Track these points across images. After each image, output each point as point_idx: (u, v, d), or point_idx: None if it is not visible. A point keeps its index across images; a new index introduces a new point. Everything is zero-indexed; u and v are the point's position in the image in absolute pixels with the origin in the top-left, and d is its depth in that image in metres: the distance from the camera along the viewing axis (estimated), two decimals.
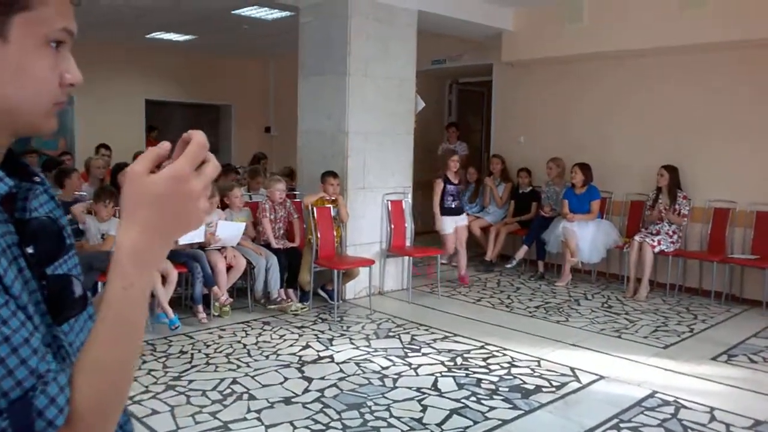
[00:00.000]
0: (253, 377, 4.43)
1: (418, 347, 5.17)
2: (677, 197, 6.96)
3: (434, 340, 5.35)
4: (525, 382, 4.42)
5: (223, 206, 6.29)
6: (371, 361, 4.81)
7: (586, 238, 7.38)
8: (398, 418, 3.81)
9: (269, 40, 10.46)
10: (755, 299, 6.67)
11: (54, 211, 0.92)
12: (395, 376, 4.50)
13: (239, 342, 5.21)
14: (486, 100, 10.40)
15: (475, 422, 3.78)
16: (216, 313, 5.85)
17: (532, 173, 8.35)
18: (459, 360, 4.87)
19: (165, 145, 0.80)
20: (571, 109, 8.25)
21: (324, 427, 3.67)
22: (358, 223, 6.77)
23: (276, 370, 4.58)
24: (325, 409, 3.91)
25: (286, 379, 4.42)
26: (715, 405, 4.05)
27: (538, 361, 4.85)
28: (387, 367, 4.68)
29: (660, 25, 6.94)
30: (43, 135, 0.91)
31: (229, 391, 4.18)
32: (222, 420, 3.74)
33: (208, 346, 5.10)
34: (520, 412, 3.95)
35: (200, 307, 5.71)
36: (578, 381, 4.47)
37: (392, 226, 6.99)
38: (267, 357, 4.86)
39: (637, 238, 7.04)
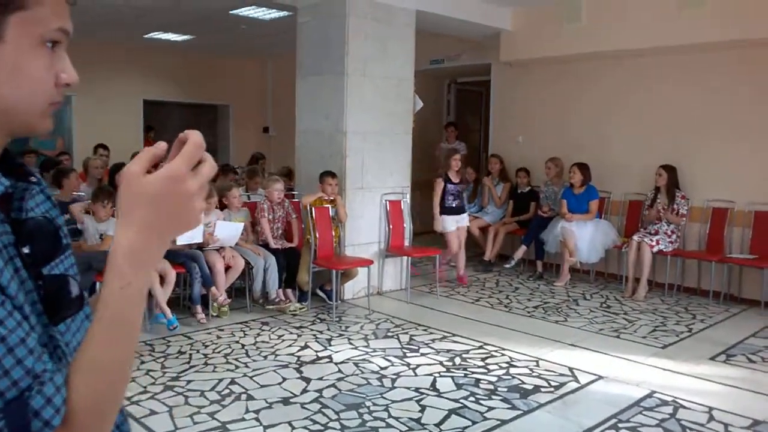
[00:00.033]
0: (251, 377, 4.43)
1: (416, 347, 5.17)
2: (675, 197, 6.97)
3: (433, 340, 5.35)
4: (523, 382, 4.42)
5: (222, 206, 6.28)
6: (370, 362, 4.80)
7: (585, 237, 7.38)
8: (397, 419, 3.80)
9: (267, 40, 10.46)
10: (754, 299, 6.68)
11: (50, 211, 0.91)
12: (394, 377, 4.50)
13: (237, 342, 5.21)
14: (484, 99, 10.40)
15: (474, 422, 3.78)
16: (214, 314, 5.85)
17: (530, 173, 8.35)
18: (457, 360, 4.87)
19: (161, 145, 0.80)
20: (569, 108, 8.25)
21: (322, 428, 3.67)
22: (356, 223, 6.77)
23: (274, 371, 4.57)
24: (323, 410, 3.91)
25: (284, 379, 4.42)
26: (714, 405, 4.05)
27: (537, 361, 4.85)
28: (385, 368, 4.68)
29: (658, 24, 6.94)
30: (38, 135, 0.91)
31: (227, 391, 4.18)
32: (220, 420, 3.73)
33: (206, 346, 5.10)
34: (519, 412, 3.94)
35: (199, 308, 5.71)
36: (577, 381, 4.47)
37: (391, 226, 6.99)
38: (265, 357, 4.86)
39: (635, 237, 7.04)
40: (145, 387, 4.21)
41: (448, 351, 5.08)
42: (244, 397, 4.09)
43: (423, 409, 3.96)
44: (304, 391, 4.21)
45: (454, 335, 5.48)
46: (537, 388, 4.31)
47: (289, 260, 6.30)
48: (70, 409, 0.75)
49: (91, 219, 5.55)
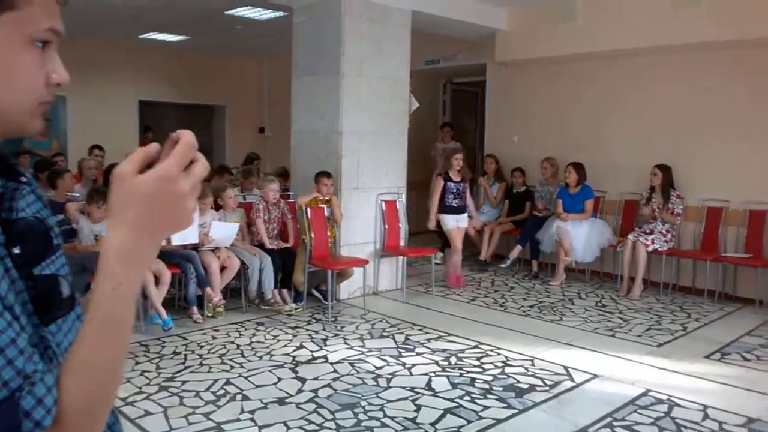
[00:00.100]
0: (246, 378, 4.43)
1: (412, 347, 5.17)
2: (670, 196, 6.99)
3: (428, 340, 5.35)
4: (519, 381, 4.43)
5: (217, 207, 6.27)
6: (365, 361, 4.80)
7: (580, 237, 7.39)
8: (392, 418, 3.81)
9: (263, 41, 10.45)
10: (748, 297, 6.70)
11: (41, 212, 0.91)
12: (389, 376, 4.50)
13: (233, 343, 5.21)
14: (480, 100, 10.41)
15: (469, 421, 3.78)
16: (209, 314, 5.84)
17: (525, 173, 8.37)
18: (453, 359, 4.87)
19: (154, 146, 0.80)
20: (564, 108, 8.26)
21: (318, 428, 3.67)
22: (351, 223, 6.77)
23: (270, 371, 4.57)
24: (318, 410, 3.91)
25: (279, 379, 4.42)
26: (708, 403, 4.06)
27: (532, 360, 4.86)
28: (381, 367, 4.68)
29: (654, 24, 6.95)
30: (29, 135, 0.90)
31: (222, 391, 4.18)
32: (215, 421, 3.73)
33: (201, 346, 5.10)
34: (514, 411, 3.95)
35: (194, 308, 5.71)
36: (572, 380, 4.48)
37: (386, 226, 6.99)
38: (261, 357, 4.86)
39: (630, 237, 7.05)
40: (140, 388, 4.20)
41: (443, 350, 5.08)
42: (239, 397, 4.09)
43: (418, 408, 3.96)
44: (300, 391, 4.21)
45: (449, 335, 5.49)
46: (532, 387, 4.32)
47: (285, 260, 6.30)
48: (61, 409, 0.75)
49: (86, 220, 5.54)
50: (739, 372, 4.72)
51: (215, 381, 4.35)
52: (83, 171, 7.50)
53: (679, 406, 4.03)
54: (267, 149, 12.11)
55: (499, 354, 5.01)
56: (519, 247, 8.04)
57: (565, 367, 4.71)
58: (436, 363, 4.79)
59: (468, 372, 4.61)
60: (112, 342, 0.79)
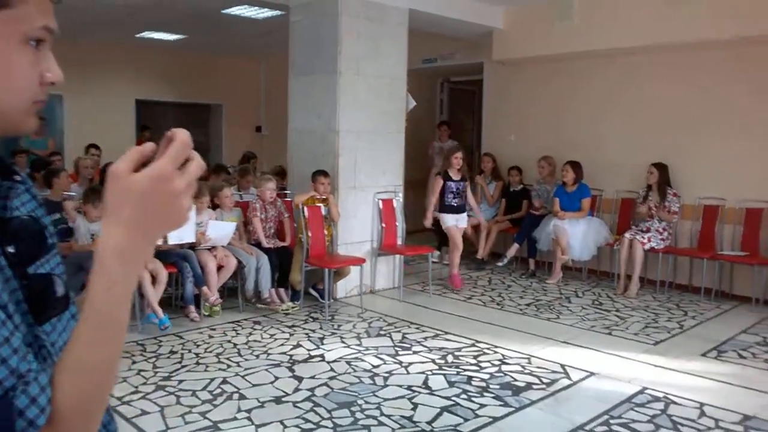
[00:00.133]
0: (243, 377, 4.42)
1: (408, 345, 5.17)
2: (667, 194, 7.00)
3: (425, 338, 5.35)
4: (515, 380, 4.43)
5: (214, 206, 6.27)
6: (362, 360, 4.81)
7: (577, 235, 7.40)
8: (389, 417, 3.81)
9: (260, 40, 10.43)
10: (745, 295, 6.71)
11: (36, 211, 0.91)
12: (386, 375, 4.50)
13: (230, 341, 5.20)
14: (477, 98, 10.41)
15: (466, 420, 3.79)
16: (206, 313, 5.84)
17: (522, 171, 8.37)
18: (450, 358, 4.87)
19: (149, 145, 0.80)
20: (561, 107, 8.27)
21: (314, 426, 3.67)
22: (349, 222, 6.77)
23: (266, 370, 4.57)
24: (315, 408, 3.91)
25: (276, 378, 4.42)
26: (705, 401, 4.07)
27: (529, 359, 4.86)
28: (378, 366, 4.68)
29: (651, 23, 6.96)
30: (23, 133, 0.90)
31: (219, 390, 4.17)
32: (212, 420, 3.73)
33: (198, 345, 5.09)
34: (511, 409, 3.96)
35: (192, 307, 5.70)
36: (568, 378, 4.49)
37: (383, 225, 6.99)
38: (257, 356, 4.85)
39: (627, 235, 7.07)
40: (136, 387, 4.20)
41: (440, 349, 5.08)
42: (236, 396, 4.09)
43: (415, 407, 3.97)
44: (297, 389, 4.21)
45: (446, 333, 5.49)
46: (529, 386, 4.33)
47: (282, 259, 6.30)
48: (56, 408, 0.75)
49: (82, 219, 5.53)
50: (735, 370, 4.73)
51: (212, 380, 4.35)
52: (80, 170, 7.49)
53: (675, 403, 4.04)
54: (264, 148, 12.10)
55: (495, 352, 5.02)
56: (516, 246, 8.05)
57: (562, 365, 4.71)
58: (433, 361, 4.79)
59: (465, 370, 4.61)
60: (107, 341, 0.79)
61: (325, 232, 6.45)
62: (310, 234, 6.24)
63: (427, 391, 4.21)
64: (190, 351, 4.96)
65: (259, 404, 3.97)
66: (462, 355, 4.93)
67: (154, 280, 5.42)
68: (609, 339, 5.42)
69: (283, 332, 5.50)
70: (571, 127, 8.15)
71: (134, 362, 4.66)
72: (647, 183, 7.16)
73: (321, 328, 5.63)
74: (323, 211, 6.41)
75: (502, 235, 8.44)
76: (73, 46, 9.73)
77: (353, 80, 6.65)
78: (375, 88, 6.85)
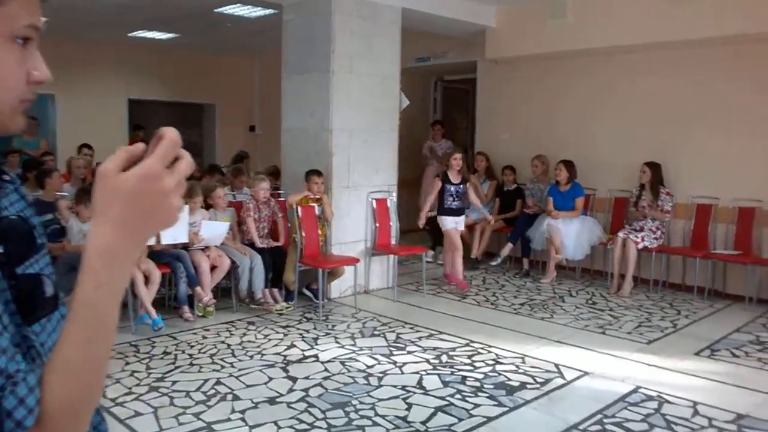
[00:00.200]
0: (237, 377, 4.41)
1: (403, 345, 5.17)
2: (660, 193, 7.01)
3: (419, 338, 5.35)
4: (510, 379, 4.43)
5: (207, 206, 6.25)
6: (356, 360, 4.80)
7: (571, 235, 7.41)
8: (383, 417, 3.80)
9: (253, 39, 10.41)
10: (738, 294, 6.73)
11: (24, 211, 0.90)
12: (380, 375, 4.49)
13: (223, 342, 5.19)
14: (471, 97, 10.41)
15: (460, 419, 3.78)
16: (200, 314, 5.82)
17: (516, 171, 8.38)
18: (444, 358, 4.87)
19: (139, 146, 0.79)
20: (555, 106, 8.28)
21: (308, 427, 3.66)
22: (342, 222, 6.76)
23: (260, 370, 4.56)
24: (309, 409, 3.90)
25: (270, 379, 4.41)
26: (698, 399, 4.08)
27: (523, 358, 4.87)
28: (372, 366, 4.68)
29: (646, 20, 6.96)
30: (10, 133, 0.89)
31: (213, 391, 4.16)
32: (206, 421, 3.71)
33: (191, 346, 5.07)
34: (505, 408, 3.95)
35: (185, 308, 5.69)
36: (562, 377, 4.49)
37: (377, 225, 6.98)
38: (251, 357, 4.84)
39: (620, 234, 7.08)
40: (129, 388, 4.18)
41: (434, 349, 5.08)
42: (229, 397, 4.07)
43: (409, 407, 3.96)
44: (291, 390, 4.20)
45: (440, 333, 5.49)
46: (523, 385, 4.33)
47: (275, 259, 6.28)
48: (44, 409, 0.74)
49: (75, 219, 5.51)
50: (728, 368, 4.74)
51: (206, 381, 4.33)
52: (72, 170, 7.46)
53: (669, 402, 4.04)
54: (257, 147, 12.07)
55: (490, 352, 5.02)
56: (510, 245, 8.05)
57: (556, 365, 4.72)
58: (427, 361, 4.79)
59: (459, 370, 4.61)
60: (95, 341, 0.78)
61: (319, 231, 6.43)
62: (303, 234, 6.23)
63: (422, 391, 4.21)
64: (183, 352, 4.94)
65: (253, 405, 3.95)
66: (456, 355, 4.93)
67: (147, 280, 5.40)
68: (603, 338, 5.43)
69: (277, 333, 5.48)
70: (565, 126, 8.16)
71: (127, 363, 4.64)
72: (640, 182, 7.17)
73: (315, 329, 5.62)
74: (317, 210, 6.40)
75: (496, 234, 8.44)
76: (65, 46, 9.69)
77: (346, 79, 6.64)
78: (368, 87, 6.84)
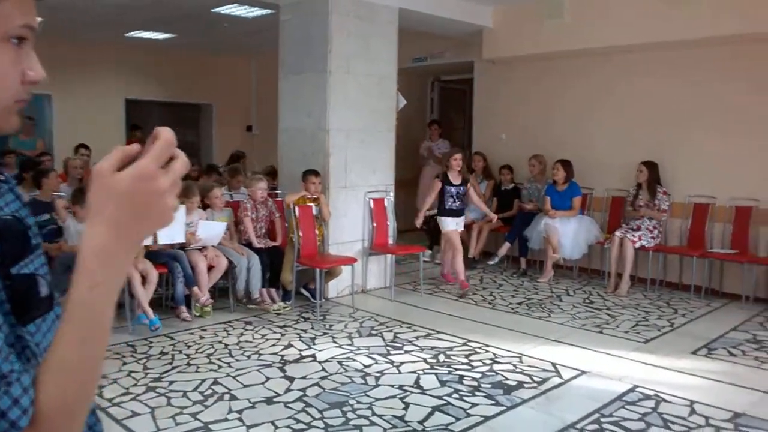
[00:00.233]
0: (234, 377, 4.41)
1: (400, 345, 5.17)
2: (657, 193, 7.02)
3: (417, 338, 5.35)
4: (507, 379, 4.44)
5: (204, 206, 6.24)
6: (354, 360, 4.80)
7: (568, 234, 7.42)
8: (380, 416, 3.80)
9: (250, 39, 10.41)
10: (734, 293, 6.75)
11: (20, 211, 0.90)
12: (378, 374, 4.50)
13: (221, 342, 5.18)
14: (468, 97, 10.42)
15: (457, 419, 3.79)
16: (197, 314, 5.82)
17: (513, 170, 8.38)
18: (441, 357, 4.87)
19: (134, 146, 0.79)
20: (552, 105, 8.28)
21: (306, 427, 3.66)
22: (340, 222, 6.76)
23: (258, 370, 4.55)
24: (306, 409, 3.90)
25: (267, 378, 4.40)
26: (695, 398, 4.09)
27: (520, 357, 4.87)
28: (369, 366, 4.68)
29: (644, 20, 6.96)
30: (5, 133, 0.89)
31: (210, 391, 4.16)
32: (203, 421, 3.71)
33: (189, 346, 5.07)
34: (502, 408, 3.96)
35: (183, 308, 5.68)
36: (560, 376, 4.49)
37: (374, 224, 6.98)
38: (249, 357, 4.84)
39: (617, 233, 7.08)
40: (127, 388, 4.18)
41: (432, 348, 5.08)
42: (227, 397, 4.07)
43: (407, 406, 3.96)
44: (288, 390, 4.20)
45: (438, 332, 5.49)
46: (520, 384, 4.33)
47: (273, 259, 6.28)
48: (39, 409, 0.74)
49: (72, 219, 5.50)
50: (725, 367, 4.75)
51: (203, 381, 4.33)
52: (69, 170, 7.46)
53: (666, 401, 4.05)
54: (255, 147, 12.06)
55: (487, 351, 5.02)
56: (507, 245, 8.05)
57: (553, 364, 4.72)
58: (425, 361, 4.79)
59: (456, 369, 4.61)
60: (90, 341, 0.78)
61: (316, 231, 6.44)
62: (301, 234, 6.22)
63: (419, 391, 4.21)
64: (180, 352, 4.94)
65: (250, 405, 3.95)
66: (453, 355, 4.93)
67: (144, 280, 5.40)
68: (600, 337, 5.44)
69: (275, 332, 5.48)
70: (562, 126, 8.17)
71: (125, 363, 4.64)
72: (637, 181, 7.18)
73: (312, 328, 5.62)
74: (314, 210, 6.39)
75: (494, 234, 8.44)
76: (61, 46, 9.68)
77: (343, 79, 6.64)
78: (365, 87, 6.84)
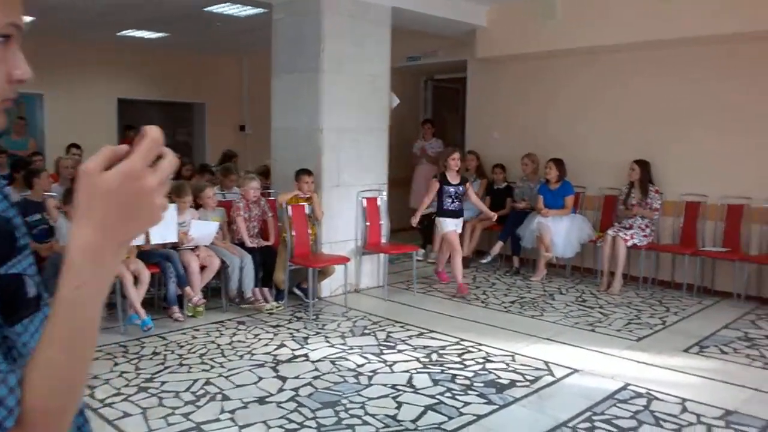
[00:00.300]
0: (227, 377, 4.40)
1: (393, 344, 5.17)
2: (649, 191, 7.04)
3: (410, 337, 5.35)
4: (499, 377, 4.44)
5: (197, 206, 6.23)
6: (346, 359, 4.80)
7: (560, 233, 7.43)
8: (373, 416, 3.80)
9: (243, 38, 10.39)
10: (726, 291, 6.77)
11: (7, 211, 0.89)
12: (370, 374, 4.49)
13: (213, 342, 5.17)
14: (461, 96, 10.42)
15: (450, 418, 3.79)
16: (189, 314, 5.80)
17: (506, 169, 8.40)
18: (434, 356, 4.88)
19: (123, 147, 0.78)
20: (545, 105, 8.30)
21: (298, 426, 3.66)
22: (333, 221, 6.75)
23: (250, 370, 4.55)
24: (299, 408, 3.90)
25: (260, 378, 4.40)
26: (687, 396, 4.10)
27: (513, 356, 4.88)
28: (362, 365, 4.68)
29: (636, 20, 6.96)
30: None
31: (202, 392, 4.15)
32: (195, 421, 3.70)
33: (181, 347, 5.06)
34: (495, 406, 3.96)
35: (175, 308, 5.66)
36: (552, 375, 4.50)
37: (367, 224, 6.98)
38: (241, 357, 4.83)
39: (610, 232, 7.10)
40: (118, 389, 4.16)
41: (425, 347, 5.09)
42: (219, 397, 4.06)
43: (399, 405, 3.96)
44: (280, 390, 4.19)
45: (431, 331, 5.49)
46: (513, 383, 4.34)
47: (266, 259, 6.27)
48: (25, 410, 0.74)
49: (64, 218, 5.48)
50: (717, 365, 4.77)
51: (195, 381, 4.32)
52: (60, 170, 7.42)
53: (658, 399, 4.06)
54: (247, 147, 12.04)
55: (480, 350, 5.03)
56: (500, 243, 8.05)
57: (546, 362, 4.73)
58: (418, 360, 4.79)
59: (449, 368, 4.61)
60: (77, 341, 0.77)
61: (309, 231, 6.43)
62: (293, 233, 6.22)
63: (412, 390, 4.21)
64: (173, 352, 4.92)
65: (243, 405, 3.95)
66: (446, 354, 4.94)
67: (136, 280, 5.38)
68: (592, 336, 5.45)
69: (267, 332, 5.47)
70: (555, 125, 8.18)
71: (116, 364, 4.62)
72: (629, 180, 7.20)
73: (305, 328, 5.62)
74: (307, 210, 6.39)
75: (486, 232, 8.45)
76: (53, 45, 9.64)
77: (336, 78, 6.64)
78: (358, 86, 6.83)
